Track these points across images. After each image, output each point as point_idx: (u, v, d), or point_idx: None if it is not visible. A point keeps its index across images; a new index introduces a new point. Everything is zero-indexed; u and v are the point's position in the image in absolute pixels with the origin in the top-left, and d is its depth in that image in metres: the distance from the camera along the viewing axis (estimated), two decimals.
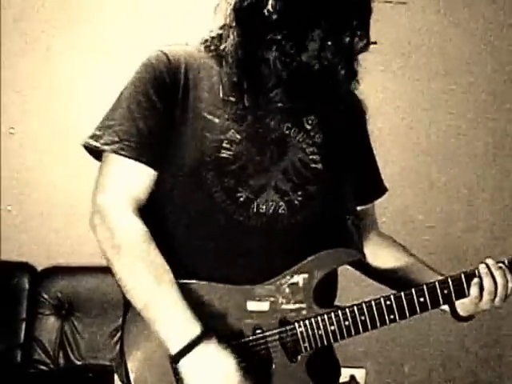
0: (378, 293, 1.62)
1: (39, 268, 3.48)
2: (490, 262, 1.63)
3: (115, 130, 1.53)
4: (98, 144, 1.55)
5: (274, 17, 1.47)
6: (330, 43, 1.49)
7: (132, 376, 1.46)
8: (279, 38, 1.49)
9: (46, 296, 3.38)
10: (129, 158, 1.52)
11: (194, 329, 1.42)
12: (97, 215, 1.52)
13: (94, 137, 1.56)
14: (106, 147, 1.53)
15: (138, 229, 1.49)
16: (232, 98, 1.55)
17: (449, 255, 3.51)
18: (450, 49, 3.69)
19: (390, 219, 3.47)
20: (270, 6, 1.47)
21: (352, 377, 3.36)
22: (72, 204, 3.52)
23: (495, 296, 1.61)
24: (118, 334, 3.34)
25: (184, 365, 1.41)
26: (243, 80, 1.53)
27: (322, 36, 1.48)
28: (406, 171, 3.65)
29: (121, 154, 1.52)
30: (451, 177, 3.69)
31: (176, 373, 1.44)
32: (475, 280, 1.61)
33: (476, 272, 1.63)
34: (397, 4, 3.62)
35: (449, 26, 3.68)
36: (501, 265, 1.63)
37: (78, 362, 3.34)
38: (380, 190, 1.81)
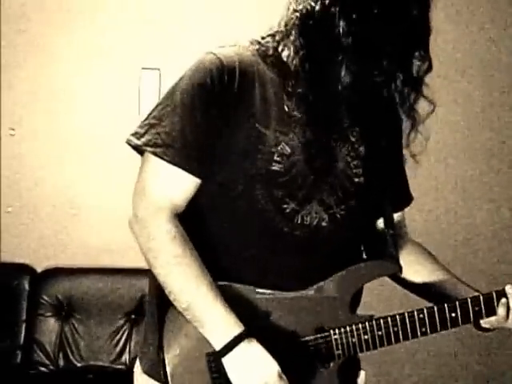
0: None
1: (39, 269, 3.48)
2: None
3: (158, 132, 1.51)
4: (139, 142, 1.53)
5: (346, 40, 1.46)
6: (396, 64, 1.49)
7: (169, 373, 1.49)
8: (350, 58, 1.47)
9: (45, 297, 3.38)
10: (170, 163, 1.50)
11: (237, 327, 1.47)
12: (135, 218, 1.53)
13: (136, 134, 1.55)
14: (147, 148, 1.52)
15: (174, 233, 1.50)
16: (296, 113, 1.53)
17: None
18: (449, 48, 3.69)
19: None
20: (341, 28, 1.45)
21: None
22: (72, 206, 3.52)
23: None
24: (118, 335, 3.35)
25: (228, 361, 1.46)
26: (310, 93, 1.51)
27: (389, 58, 1.48)
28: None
29: (163, 159, 1.50)
30: (446, 181, 3.70)
31: (212, 371, 1.49)
32: (503, 300, 1.64)
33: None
34: None
35: (448, 25, 3.68)
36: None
37: (78, 364, 3.34)
38: (409, 197, 1.83)
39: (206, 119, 1.51)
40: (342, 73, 1.49)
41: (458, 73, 3.68)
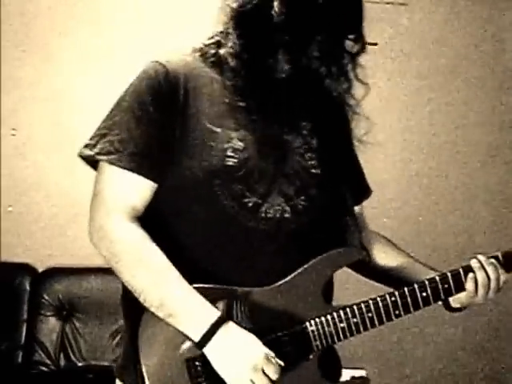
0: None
1: (40, 269, 3.48)
2: (481, 257, 1.67)
3: (110, 140, 1.53)
4: (91, 153, 1.55)
5: (281, 20, 1.49)
6: (329, 47, 1.53)
7: (148, 382, 1.47)
8: (286, 39, 1.51)
9: (46, 297, 3.39)
10: (124, 169, 1.52)
11: (213, 313, 1.47)
12: (94, 228, 1.54)
13: (88, 146, 1.57)
14: (100, 157, 1.54)
15: (135, 235, 1.51)
16: (240, 103, 1.56)
17: (446, 253, 3.52)
18: (450, 50, 3.69)
19: (389, 219, 3.49)
20: (276, 9, 1.50)
21: (353, 378, 3.35)
22: (73, 205, 3.53)
23: (488, 290, 1.65)
24: (119, 336, 3.35)
25: (210, 349, 1.45)
26: (250, 82, 1.54)
27: (323, 40, 1.52)
28: (404, 171, 3.66)
29: (116, 165, 1.52)
30: (449, 177, 3.70)
31: (193, 377, 1.47)
32: (471, 275, 1.65)
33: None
34: (397, 5, 3.63)
35: (449, 27, 3.69)
36: (492, 260, 1.67)
37: (79, 363, 3.35)
38: (368, 190, 1.85)
39: (155, 124, 1.53)
40: (280, 58, 1.53)
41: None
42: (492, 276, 1.65)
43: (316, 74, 1.54)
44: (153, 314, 1.49)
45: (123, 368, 1.62)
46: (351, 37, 1.55)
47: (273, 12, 1.49)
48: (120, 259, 1.50)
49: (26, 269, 3.45)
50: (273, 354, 1.47)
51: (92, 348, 3.36)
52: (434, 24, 3.68)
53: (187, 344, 1.48)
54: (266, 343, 1.50)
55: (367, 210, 1.87)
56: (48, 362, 3.34)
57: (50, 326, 3.38)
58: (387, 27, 3.61)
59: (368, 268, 1.77)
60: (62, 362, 3.35)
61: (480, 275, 1.64)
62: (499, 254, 1.69)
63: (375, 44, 3.61)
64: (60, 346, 3.36)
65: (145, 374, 1.47)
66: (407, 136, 3.67)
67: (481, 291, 1.65)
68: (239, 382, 1.45)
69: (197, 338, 1.46)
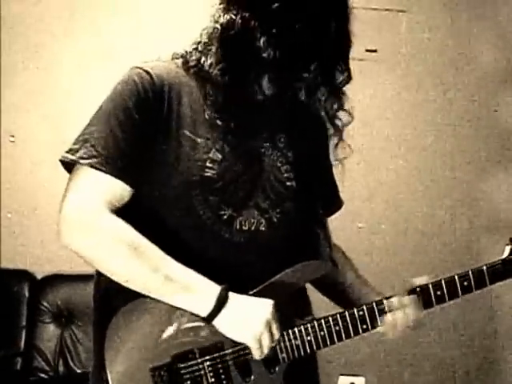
0: None
1: (39, 276, 3.49)
2: (396, 298, 1.66)
3: (93, 144, 1.51)
4: (74, 158, 1.52)
5: (267, 53, 1.50)
6: (318, 78, 1.54)
7: None
8: (272, 72, 1.53)
9: (45, 304, 3.39)
10: (105, 173, 1.49)
11: (216, 286, 1.48)
12: (79, 226, 1.51)
13: (70, 151, 1.54)
14: (82, 161, 1.51)
15: (120, 221, 1.48)
16: (218, 121, 1.55)
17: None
18: (449, 56, 3.70)
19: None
20: (261, 42, 1.50)
21: None
22: None
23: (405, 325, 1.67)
24: None
25: (222, 321, 1.48)
26: (230, 103, 1.54)
27: (310, 69, 1.52)
28: (404, 175, 3.67)
29: (97, 169, 1.49)
30: (451, 178, 3.71)
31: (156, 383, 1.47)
32: (388, 315, 1.64)
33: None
34: (397, 12, 3.63)
35: (448, 33, 3.70)
36: (406, 298, 1.66)
37: (78, 370, 3.34)
38: (339, 203, 1.86)
39: (139, 130, 1.52)
40: (264, 84, 1.56)
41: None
42: (409, 314, 1.65)
43: (297, 97, 1.56)
44: (121, 320, 1.48)
45: (92, 375, 1.62)
46: (337, 66, 1.57)
47: (258, 44, 1.49)
48: (113, 248, 1.48)
49: (24, 275, 3.46)
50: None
51: (91, 355, 3.34)
52: (433, 30, 3.69)
53: (153, 352, 1.47)
54: (234, 354, 1.52)
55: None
56: (47, 368, 3.34)
57: (49, 332, 3.38)
58: (386, 33, 3.62)
59: (326, 283, 1.76)
60: (61, 369, 3.35)
61: (398, 313, 1.64)
62: (418, 289, 1.67)
63: (375, 51, 3.63)
64: (59, 352, 3.36)
65: (110, 382, 1.46)
66: (405, 141, 3.68)
67: (399, 328, 1.65)
68: (255, 341, 1.48)
69: (205, 313, 1.47)
